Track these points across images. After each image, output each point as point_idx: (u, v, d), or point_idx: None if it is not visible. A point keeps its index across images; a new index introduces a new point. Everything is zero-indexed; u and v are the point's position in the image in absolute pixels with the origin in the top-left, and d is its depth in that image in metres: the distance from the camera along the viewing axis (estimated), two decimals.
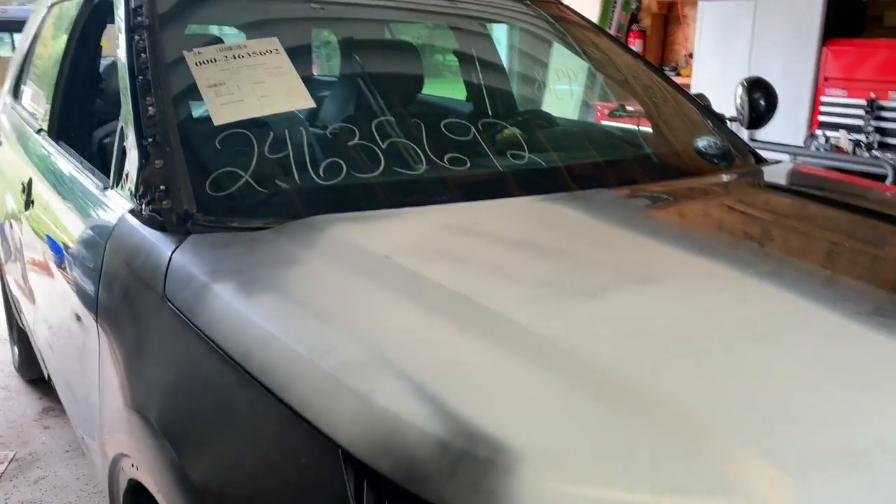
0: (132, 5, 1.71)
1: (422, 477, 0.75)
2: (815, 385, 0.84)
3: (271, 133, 1.54)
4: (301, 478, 0.89)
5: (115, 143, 1.59)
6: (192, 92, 1.60)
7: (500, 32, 2.88)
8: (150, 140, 1.44)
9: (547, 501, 0.70)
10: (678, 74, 5.45)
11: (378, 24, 2.43)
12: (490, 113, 2.44)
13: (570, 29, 2.37)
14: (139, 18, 1.69)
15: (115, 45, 1.74)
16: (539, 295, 1.02)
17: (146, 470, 1.15)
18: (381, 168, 1.51)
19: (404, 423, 0.79)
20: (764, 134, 4.45)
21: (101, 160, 1.89)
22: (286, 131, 1.55)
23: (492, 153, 1.66)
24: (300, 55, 2.12)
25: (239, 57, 1.65)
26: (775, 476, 0.71)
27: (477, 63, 2.58)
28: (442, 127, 1.65)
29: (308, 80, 2.13)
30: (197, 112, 1.58)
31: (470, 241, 1.23)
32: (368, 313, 0.99)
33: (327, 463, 0.84)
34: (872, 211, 1.48)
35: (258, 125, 1.55)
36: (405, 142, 1.59)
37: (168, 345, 1.19)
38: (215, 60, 1.62)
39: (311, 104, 1.59)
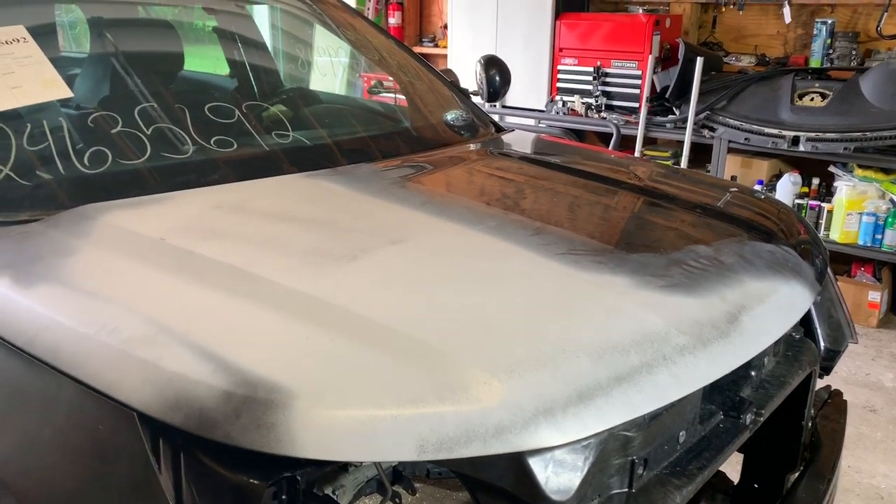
0: None
1: (211, 423, 0.90)
2: (518, 310, 1.10)
3: (28, 124, 1.53)
4: (99, 445, 0.99)
5: None
6: None
7: (261, 14, 2.94)
8: None
9: (317, 425, 0.88)
10: (436, 45, 5.77)
11: (132, 6, 2.40)
12: (255, 91, 2.52)
13: (330, 11, 2.51)
14: None
15: None
16: (304, 261, 1.19)
17: None
18: (148, 153, 1.57)
19: (191, 382, 0.92)
20: (512, 100, 4.92)
21: None
22: (44, 121, 1.55)
23: (257, 133, 1.77)
24: (47, 38, 2.07)
25: None
26: (487, 379, 0.94)
27: (239, 43, 2.64)
28: (207, 110, 1.74)
29: (57, 61, 2.09)
30: None
31: (239, 219, 1.36)
32: (148, 292, 1.10)
33: (123, 427, 0.95)
34: (578, 170, 1.82)
35: (12, 117, 1.53)
36: (170, 126, 1.66)
37: None
38: None
39: (70, 94, 1.60)
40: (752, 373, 1.41)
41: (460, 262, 1.24)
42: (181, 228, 1.29)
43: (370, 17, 5.74)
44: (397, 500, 1.42)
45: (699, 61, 4.11)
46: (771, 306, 1.30)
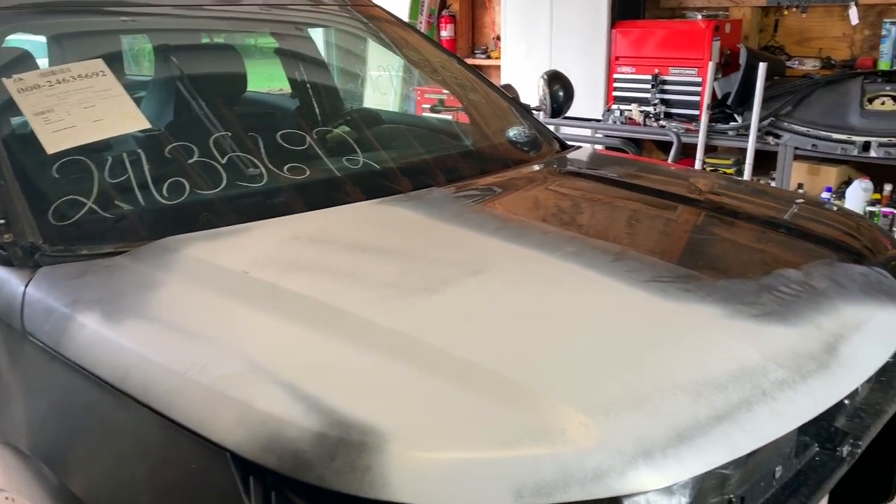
0: None
1: (306, 465, 0.89)
2: (608, 345, 1.07)
3: (109, 157, 1.57)
4: (192, 483, 0.99)
5: None
6: (17, 118, 1.59)
7: (320, 34, 2.97)
8: None
9: (411, 469, 0.87)
10: (489, 57, 5.75)
11: (196, 34, 2.44)
12: (318, 113, 2.54)
13: (387, 30, 2.51)
14: None
15: None
16: (387, 295, 1.18)
17: (26, 497, 1.19)
18: (224, 183, 1.59)
19: (284, 422, 0.92)
20: (569, 110, 4.85)
21: None
22: (124, 154, 1.59)
23: (328, 159, 1.78)
24: (115, 67, 2.11)
25: (64, 81, 1.64)
26: (584, 420, 0.92)
27: (300, 64, 2.66)
28: (278, 138, 1.75)
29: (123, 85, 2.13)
30: (27, 140, 1.57)
31: (319, 250, 1.36)
32: (236, 328, 1.10)
33: (216, 467, 0.95)
34: (652, 189, 1.78)
35: (94, 150, 1.57)
36: (245, 155, 1.67)
37: (33, 377, 1.22)
38: (39, 86, 1.61)
39: (147, 125, 1.63)
40: (847, 402, 1.35)
41: (544, 294, 1.21)
42: (263, 261, 1.29)
43: (423, 30, 5.76)
44: None
45: (762, 66, 4.00)
46: (869, 334, 1.25)
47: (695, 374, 1.02)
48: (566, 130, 4.88)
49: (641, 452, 0.91)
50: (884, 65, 4.07)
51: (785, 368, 1.08)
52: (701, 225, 1.61)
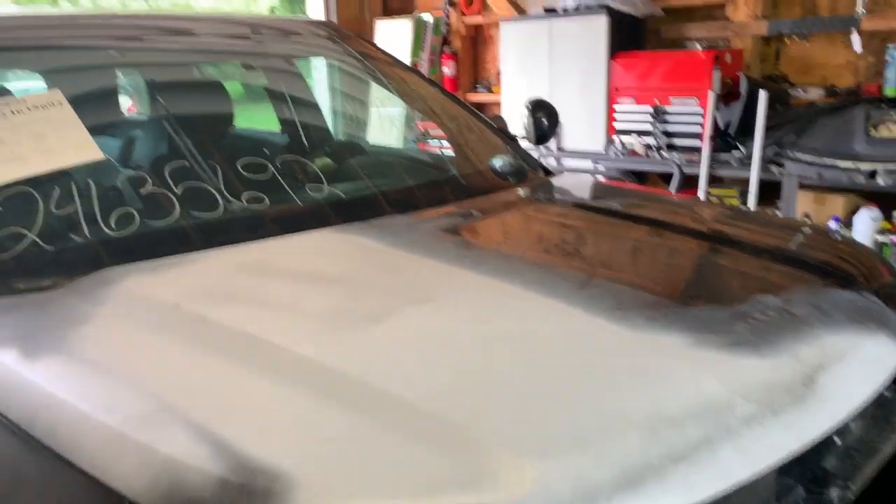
0: None
1: None
2: (556, 378, 0.97)
3: (56, 188, 1.51)
4: None
5: None
6: None
7: (307, 66, 2.94)
8: None
9: None
10: (491, 91, 5.73)
11: (185, 67, 2.41)
12: (303, 145, 2.48)
13: (374, 63, 2.47)
14: None
15: None
16: (323, 326, 1.10)
17: None
18: (176, 214, 1.52)
19: (186, 467, 0.83)
20: (569, 143, 4.80)
21: None
22: (72, 184, 1.53)
23: (291, 188, 1.71)
24: (103, 101, 2.09)
25: (18, 112, 1.60)
26: (518, 463, 0.82)
27: (288, 99, 2.63)
28: (239, 167, 1.69)
29: (117, 124, 2.10)
30: None
31: (260, 280, 1.28)
32: (154, 364, 1.02)
33: None
34: (630, 215, 1.69)
35: (43, 181, 1.51)
36: (199, 184, 1.61)
37: None
38: None
39: (100, 156, 1.57)
40: (837, 439, 1.23)
41: (493, 323, 1.12)
42: (198, 293, 1.22)
43: (424, 67, 5.75)
44: None
45: (762, 95, 3.92)
46: (854, 365, 1.14)
47: (649, 409, 0.92)
48: (568, 163, 4.81)
49: (582, 498, 0.81)
50: (889, 91, 3.97)
51: (754, 403, 0.98)
52: (676, 251, 1.51)
